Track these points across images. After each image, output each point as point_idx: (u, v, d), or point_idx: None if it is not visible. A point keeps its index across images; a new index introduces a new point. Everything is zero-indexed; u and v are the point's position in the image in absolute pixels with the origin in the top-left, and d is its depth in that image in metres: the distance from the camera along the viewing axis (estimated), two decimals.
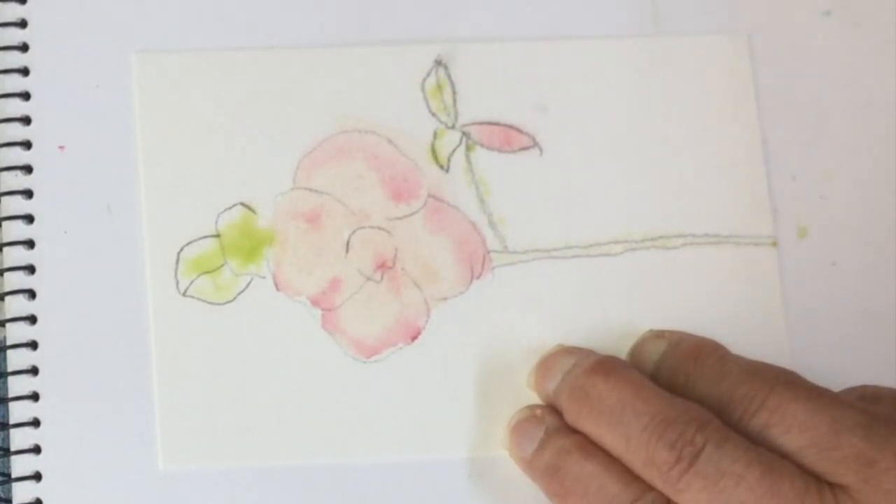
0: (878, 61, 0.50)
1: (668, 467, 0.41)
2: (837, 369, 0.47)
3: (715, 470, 0.40)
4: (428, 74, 0.49)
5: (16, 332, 0.47)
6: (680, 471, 0.41)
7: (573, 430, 0.44)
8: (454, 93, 0.49)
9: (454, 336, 0.47)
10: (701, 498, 0.40)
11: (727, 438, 0.41)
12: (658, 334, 0.47)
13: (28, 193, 0.48)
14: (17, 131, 0.48)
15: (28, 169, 0.48)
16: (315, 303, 0.47)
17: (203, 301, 0.47)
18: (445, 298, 0.47)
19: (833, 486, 0.40)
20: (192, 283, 0.47)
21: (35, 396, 0.46)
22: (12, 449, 0.46)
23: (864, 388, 0.45)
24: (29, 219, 0.47)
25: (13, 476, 0.46)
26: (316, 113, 0.48)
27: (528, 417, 0.45)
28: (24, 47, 0.48)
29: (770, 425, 0.41)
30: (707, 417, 0.42)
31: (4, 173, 0.48)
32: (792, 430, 0.41)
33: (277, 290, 0.47)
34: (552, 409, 0.45)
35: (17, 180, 0.48)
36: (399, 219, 0.48)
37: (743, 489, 0.40)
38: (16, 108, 0.48)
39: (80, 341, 0.47)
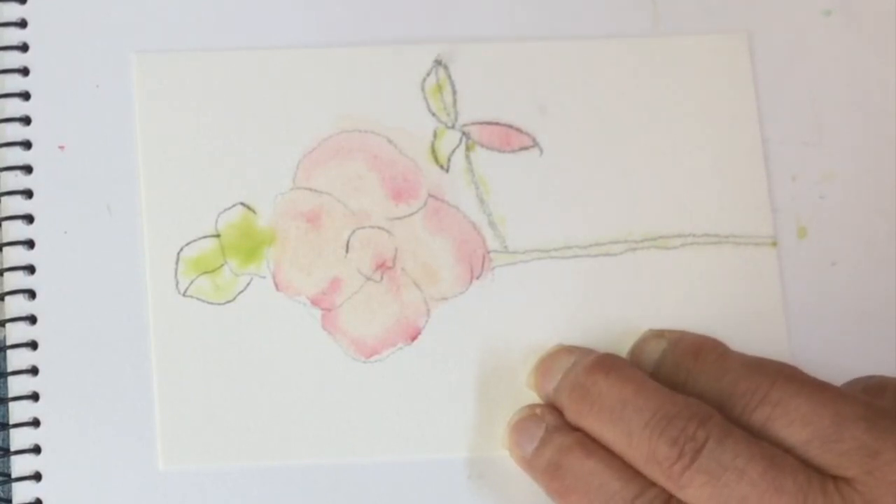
0: (878, 61, 0.50)
1: (670, 463, 0.41)
2: (837, 369, 0.47)
3: (717, 465, 0.40)
4: (428, 74, 0.49)
5: (16, 332, 0.47)
6: (682, 466, 0.41)
7: (573, 428, 0.44)
8: (454, 93, 0.49)
9: (454, 336, 0.47)
10: (703, 493, 0.40)
11: (729, 433, 0.41)
12: (658, 333, 0.46)
13: (28, 193, 0.47)
14: (17, 131, 0.48)
15: (28, 169, 0.48)
16: (315, 303, 0.47)
17: (203, 301, 0.47)
18: (445, 298, 0.47)
19: (836, 479, 0.40)
20: (192, 282, 0.47)
21: (35, 396, 0.46)
22: (12, 449, 0.46)
23: (868, 378, 0.45)
24: (29, 219, 0.47)
25: (13, 476, 0.46)
26: (316, 113, 0.48)
27: (529, 416, 0.45)
28: (24, 47, 0.49)
29: (772, 419, 0.41)
30: (708, 413, 0.41)
31: (4, 173, 0.48)
32: (794, 423, 0.41)
33: (277, 290, 0.47)
34: (552, 407, 0.45)
35: (17, 180, 0.48)
36: (399, 219, 0.48)
37: (745, 484, 0.40)
38: (16, 108, 0.48)
39: (80, 341, 0.46)
